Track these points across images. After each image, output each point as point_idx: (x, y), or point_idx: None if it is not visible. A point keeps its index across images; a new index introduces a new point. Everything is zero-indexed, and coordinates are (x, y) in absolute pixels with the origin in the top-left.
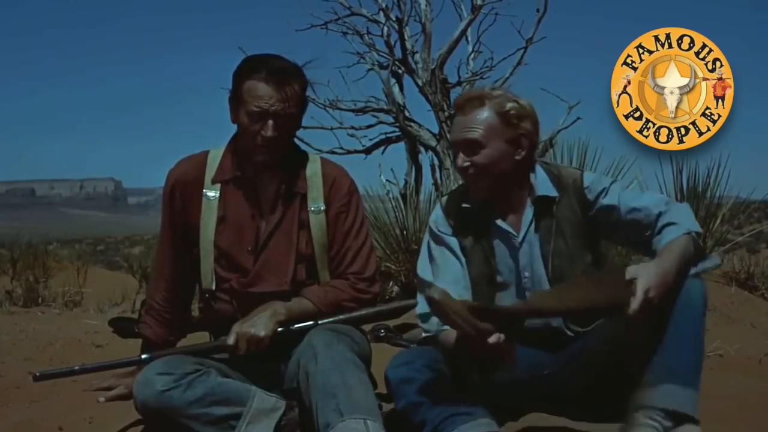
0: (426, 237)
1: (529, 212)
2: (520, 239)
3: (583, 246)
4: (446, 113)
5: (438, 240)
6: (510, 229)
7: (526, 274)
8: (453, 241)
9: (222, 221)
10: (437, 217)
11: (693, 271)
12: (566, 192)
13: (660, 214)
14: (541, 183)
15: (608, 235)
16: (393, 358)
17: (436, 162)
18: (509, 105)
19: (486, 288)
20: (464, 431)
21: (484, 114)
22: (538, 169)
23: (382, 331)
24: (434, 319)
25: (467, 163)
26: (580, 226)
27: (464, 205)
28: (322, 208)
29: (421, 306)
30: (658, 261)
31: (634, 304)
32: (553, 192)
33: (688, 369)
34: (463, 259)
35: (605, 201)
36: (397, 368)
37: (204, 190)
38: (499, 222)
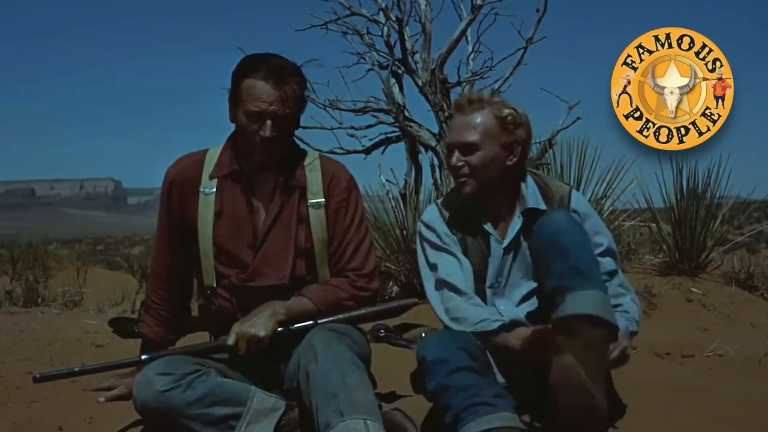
0: (421, 242)
1: (517, 222)
2: (504, 245)
3: None
4: (446, 113)
5: (437, 239)
6: (496, 235)
7: (500, 279)
8: (453, 239)
9: (219, 216)
10: (434, 218)
11: None
12: (552, 206)
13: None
14: (532, 195)
15: None
16: (427, 338)
17: (436, 162)
18: (507, 111)
19: (478, 286)
20: (485, 423)
21: (483, 117)
22: (529, 179)
23: (382, 331)
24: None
25: (461, 163)
26: None
27: (459, 206)
28: (321, 201)
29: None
30: None
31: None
32: (542, 205)
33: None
34: (461, 254)
35: None
36: (431, 347)
37: (200, 187)
38: (486, 227)
